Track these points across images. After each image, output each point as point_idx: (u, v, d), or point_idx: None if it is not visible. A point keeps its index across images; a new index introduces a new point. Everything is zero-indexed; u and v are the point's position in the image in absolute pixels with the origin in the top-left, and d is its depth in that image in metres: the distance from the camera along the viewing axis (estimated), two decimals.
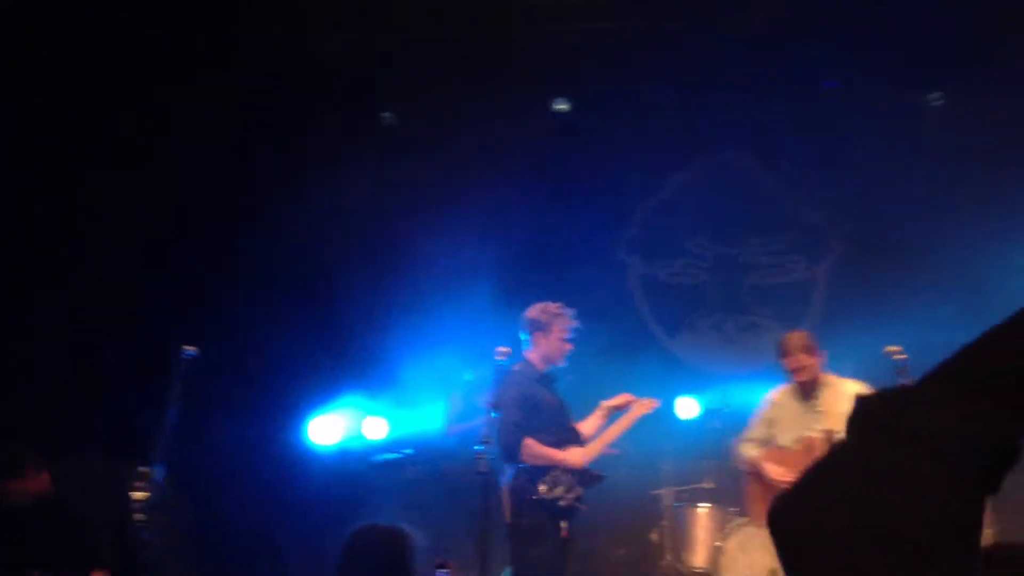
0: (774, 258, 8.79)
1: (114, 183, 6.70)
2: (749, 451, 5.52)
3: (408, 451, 7.68)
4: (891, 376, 5.06)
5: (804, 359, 5.39)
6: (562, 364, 5.54)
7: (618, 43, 7.58)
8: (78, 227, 6.82)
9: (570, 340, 5.49)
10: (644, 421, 6.01)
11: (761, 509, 5.32)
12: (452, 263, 7.86)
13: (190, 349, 4.78)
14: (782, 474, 5.20)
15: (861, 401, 1.10)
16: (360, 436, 7.65)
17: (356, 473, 7.50)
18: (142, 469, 4.38)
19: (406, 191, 8.09)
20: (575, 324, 5.52)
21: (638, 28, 7.49)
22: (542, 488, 5.16)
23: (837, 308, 8.33)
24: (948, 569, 0.95)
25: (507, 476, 5.27)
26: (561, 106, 8.22)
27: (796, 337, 5.50)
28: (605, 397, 6.81)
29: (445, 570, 3.29)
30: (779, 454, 5.30)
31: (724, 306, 8.76)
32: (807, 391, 5.40)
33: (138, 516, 4.23)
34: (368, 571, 3.13)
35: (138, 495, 4.26)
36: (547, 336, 5.44)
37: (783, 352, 5.48)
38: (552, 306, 5.52)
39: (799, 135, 8.24)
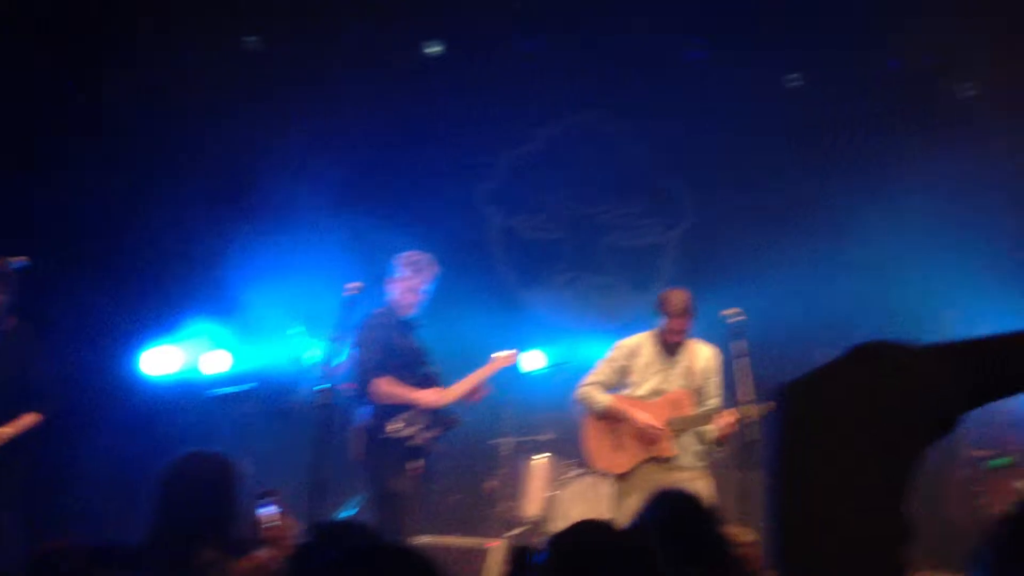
0: (630, 220, 8.98)
1: None
2: (598, 395, 5.41)
3: (250, 385, 7.50)
4: (728, 336, 5.29)
5: (687, 323, 5.39)
6: (412, 313, 5.54)
7: None
8: None
9: (426, 293, 5.50)
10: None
11: (602, 453, 5.40)
12: (308, 197, 7.67)
13: (18, 260, 4.49)
14: (647, 426, 5.22)
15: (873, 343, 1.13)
16: (199, 368, 7.40)
17: (192, 406, 7.26)
18: None
19: (264, 118, 7.81)
20: (435, 277, 5.54)
21: None
22: (391, 427, 5.18)
23: (686, 272, 8.61)
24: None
25: (361, 415, 5.25)
26: (433, 48, 8.10)
27: (685, 298, 5.41)
28: (453, 343, 6.85)
29: (271, 498, 3.22)
30: (637, 404, 5.32)
31: (579, 264, 8.91)
32: (670, 348, 5.45)
33: None
34: (188, 498, 3.02)
35: None
36: (405, 284, 5.45)
37: (673, 311, 5.32)
38: (423, 256, 5.52)
39: (662, 103, 8.41)
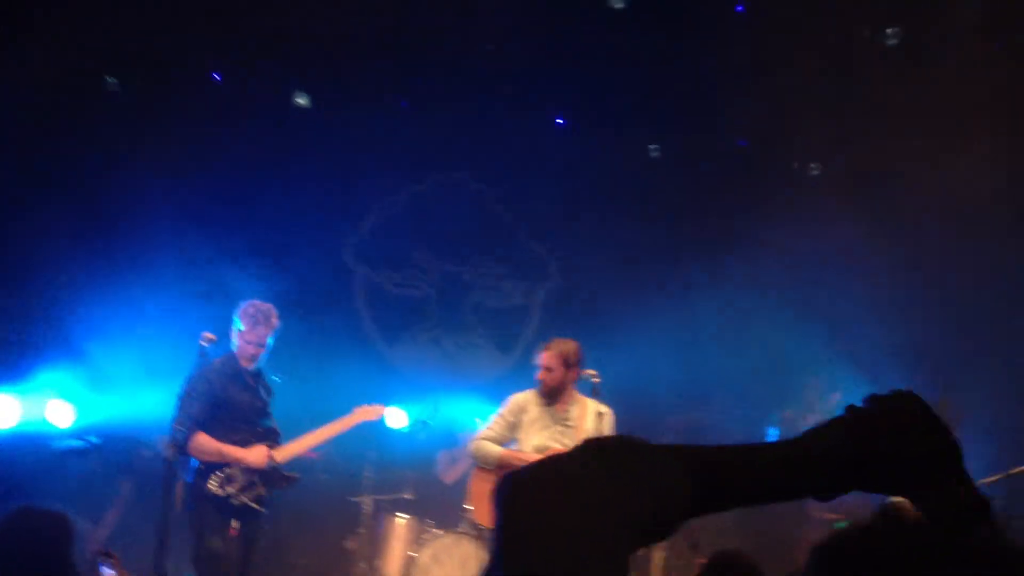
0: (496, 281, 9.10)
1: None
2: (492, 448, 5.39)
3: (94, 439, 7.13)
4: (589, 396, 5.39)
5: (554, 362, 5.37)
6: (254, 365, 5.41)
7: (360, 46, 7.58)
8: None
9: (265, 346, 5.38)
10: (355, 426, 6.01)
11: (489, 506, 5.32)
12: (168, 244, 7.46)
13: None
14: None
15: (619, 437, 1.11)
16: (42, 421, 7.00)
17: (31, 461, 6.84)
18: None
19: (123, 163, 7.58)
20: (274, 330, 5.42)
21: (380, 35, 7.52)
22: (211, 484, 5.02)
23: (549, 334, 8.75)
24: None
25: (187, 469, 5.07)
26: (301, 100, 8.08)
27: (566, 343, 5.50)
28: (315, 398, 6.72)
29: (109, 560, 3.06)
30: (524, 459, 5.29)
31: (445, 322, 8.94)
32: (555, 402, 5.42)
33: None
34: (20, 556, 2.84)
35: None
36: (246, 335, 5.32)
37: (546, 347, 5.45)
38: (264, 306, 5.39)
39: (527, 167, 8.64)
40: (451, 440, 7.71)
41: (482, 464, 5.44)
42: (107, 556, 3.06)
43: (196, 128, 7.77)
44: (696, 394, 8.25)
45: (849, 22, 7.32)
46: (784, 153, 8.68)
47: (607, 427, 5.41)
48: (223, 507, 5.03)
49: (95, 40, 7.04)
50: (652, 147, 8.72)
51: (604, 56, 7.77)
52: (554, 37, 7.65)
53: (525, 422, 5.44)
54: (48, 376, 6.98)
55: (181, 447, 4.96)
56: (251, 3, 7.12)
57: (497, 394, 8.32)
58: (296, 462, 5.55)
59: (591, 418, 5.39)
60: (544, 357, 5.42)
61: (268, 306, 5.41)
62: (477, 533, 6.79)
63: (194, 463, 5.06)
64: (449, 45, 7.70)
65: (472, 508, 5.49)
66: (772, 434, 7.76)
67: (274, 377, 5.99)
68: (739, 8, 7.34)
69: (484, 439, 5.46)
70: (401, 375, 8.44)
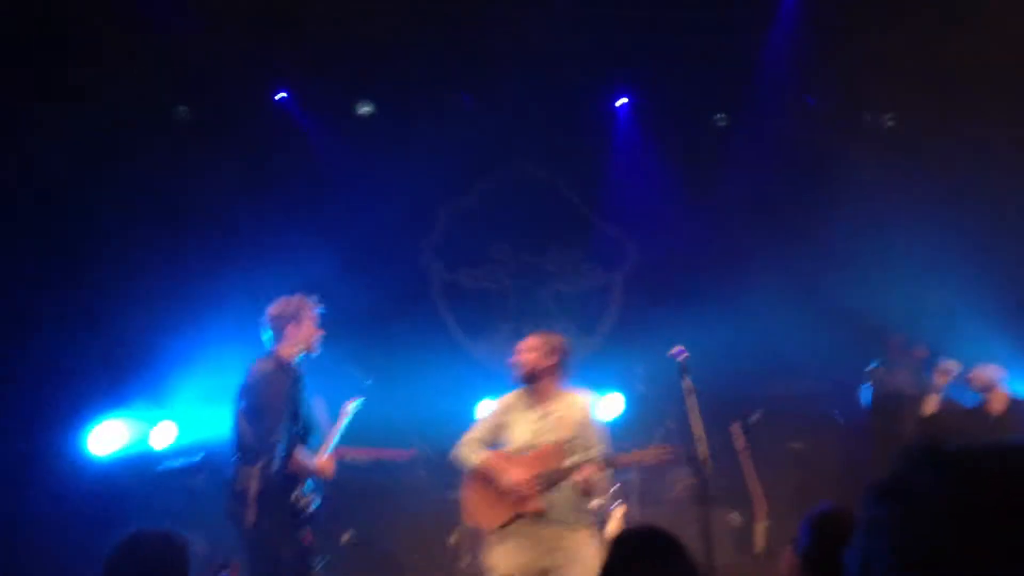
0: (574, 266, 9.09)
1: None
2: (471, 453, 5.17)
3: (196, 458, 7.36)
4: (677, 374, 5.34)
5: (527, 348, 5.17)
6: (317, 352, 5.36)
7: (419, 49, 7.63)
8: None
9: (320, 325, 5.35)
10: (446, 423, 6.05)
11: (477, 509, 5.15)
12: (253, 261, 7.65)
13: None
14: (516, 484, 4.94)
15: None
16: (146, 443, 7.26)
17: (141, 483, 7.11)
18: None
19: (202, 183, 7.80)
20: (321, 308, 5.39)
21: (437, 35, 7.56)
22: (292, 496, 5.00)
23: (634, 313, 8.74)
24: None
25: (254, 479, 4.90)
26: (365, 109, 8.18)
27: (548, 334, 5.27)
28: (405, 399, 6.82)
29: (227, 571, 3.16)
30: (511, 460, 5.07)
31: (525, 312, 8.97)
32: (540, 399, 5.18)
33: None
34: None
35: None
36: (299, 325, 5.25)
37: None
38: (294, 297, 5.35)
39: (593, 148, 8.60)
40: None
41: (461, 468, 5.31)
42: (225, 567, 3.15)
43: (265, 147, 7.96)
44: (789, 364, 8.13)
45: None
46: (855, 107, 8.48)
47: (590, 415, 5.19)
48: (299, 518, 5.04)
49: (166, 70, 7.25)
50: (718, 116, 8.59)
51: (662, 29, 7.67)
52: (612, 14, 7.59)
53: (511, 422, 5.22)
54: (150, 399, 7.24)
55: (282, 461, 4.95)
56: (308, 19, 7.22)
57: (582, 380, 8.36)
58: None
59: (577, 411, 5.17)
60: (526, 341, 5.29)
61: (299, 295, 5.35)
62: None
63: (268, 474, 4.94)
64: (506, 34, 7.69)
65: (465, 511, 5.37)
66: (865, 392, 7.59)
67: (367, 381, 6.09)
68: None
69: (465, 443, 5.30)
70: (486, 369, 8.49)
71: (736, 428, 7.11)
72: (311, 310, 5.27)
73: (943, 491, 1.10)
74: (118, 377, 7.15)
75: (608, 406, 8.14)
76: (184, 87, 7.76)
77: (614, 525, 6.44)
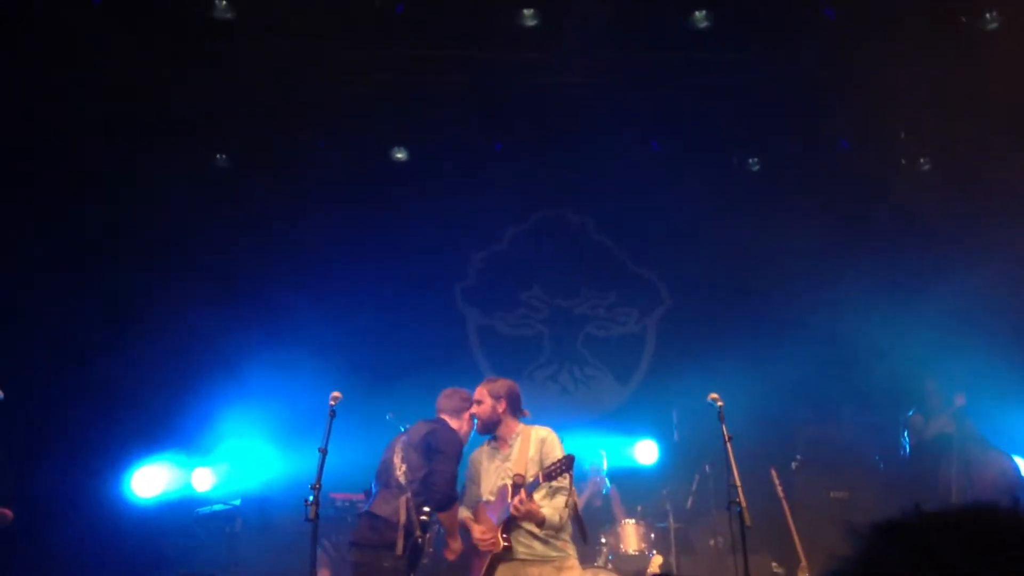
0: (607, 311, 9.10)
1: None
2: (461, 513, 5.41)
3: (236, 501, 7.42)
4: (713, 420, 5.32)
5: (483, 394, 5.31)
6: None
7: (449, 98, 7.74)
8: None
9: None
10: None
11: (469, 566, 5.28)
12: (286, 309, 7.75)
13: None
14: (482, 532, 5.13)
15: None
16: (187, 487, 7.33)
17: (181, 526, 7.17)
18: None
19: (234, 237, 7.95)
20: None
21: (465, 84, 7.67)
22: (420, 538, 5.15)
23: (668, 359, 8.71)
24: None
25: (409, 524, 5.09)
26: (399, 155, 8.29)
27: (498, 379, 5.41)
28: None
29: None
30: (481, 510, 5.28)
31: (560, 357, 8.98)
32: (500, 443, 5.34)
33: None
34: None
35: None
36: (468, 417, 5.50)
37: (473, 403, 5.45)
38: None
39: (626, 193, 8.64)
40: (580, 474, 7.70)
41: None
42: None
43: (298, 196, 8.09)
44: (825, 407, 8.06)
45: (944, 10, 7.12)
46: (889, 151, 8.47)
47: (549, 449, 5.23)
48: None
49: (212, 121, 7.42)
50: (751, 160, 8.62)
51: (693, 75, 7.74)
52: (640, 62, 7.67)
53: (481, 472, 5.39)
54: (191, 445, 7.32)
55: (447, 506, 5.15)
56: (342, 72, 7.37)
57: (617, 426, 8.33)
58: None
59: (533, 446, 5.26)
60: (476, 392, 5.42)
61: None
62: (613, 566, 6.77)
63: (430, 527, 5.15)
64: (536, 83, 7.80)
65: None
66: (905, 438, 7.51)
67: (387, 415, 6.26)
68: (829, 11, 7.20)
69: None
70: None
71: (775, 474, 7.03)
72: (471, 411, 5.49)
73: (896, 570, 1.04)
74: (161, 422, 7.24)
75: (643, 452, 8.11)
76: (225, 136, 7.92)
77: (651, 573, 6.38)
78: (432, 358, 8.23)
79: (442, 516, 5.28)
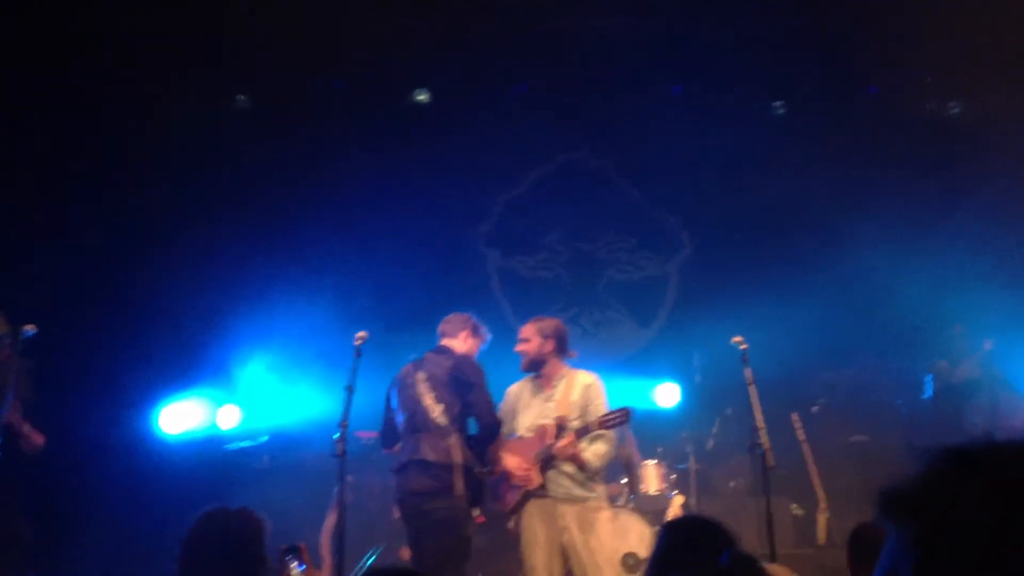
0: (629, 255, 9.08)
1: None
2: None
3: (263, 439, 7.55)
4: (735, 363, 5.34)
5: (529, 332, 5.40)
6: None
7: (475, 39, 7.66)
8: None
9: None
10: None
11: (500, 495, 5.42)
12: (308, 250, 7.79)
13: (29, 328, 4.55)
14: (518, 466, 5.24)
15: None
16: (213, 425, 7.46)
17: (209, 462, 7.31)
18: None
19: (258, 177, 7.95)
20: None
21: (493, 24, 7.57)
22: (481, 472, 5.24)
23: (690, 302, 8.71)
24: None
25: (455, 462, 5.08)
26: (421, 96, 8.23)
27: (546, 318, 5.53)
28: None
29: (295, 553, 3.24)
30: (516, 444, 5.36)
31: (581, 300, 8.99)
32: (544, 382, 5.43)
33: None
34: (216, 554, 3.04)
35: None
36: (476, 344, 5.51)
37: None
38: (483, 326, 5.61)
39: (649, 137, 8.55)
40: None
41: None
42: (295, 550, 3.24)
43: (322, 136, 8.06)
44: (847, 351, 8.05)
45: None
46: (917, 96, 8.34)
47: (594, 395, 5.36)
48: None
49: (227, 60, 7.38)
50: (776, 104, 8.50)
51: (717, 16, 7.61)
52: (664, 2, 7.55)
53: (519, 408, 5.47)
54: (216, 383, 7.42)
55: (495, 435, 5.20)
56: (366, 10, 7.30)
57: (638, 369, 8.35)
58: None
59: (577, 390, 5.36)
60: (521, 330, 5.45)
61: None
62: (634, 507, 6.86)
63: (480, 463, 5.21)
64: (559, 24, 7.69)
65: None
66: (928, 384, 7.51)
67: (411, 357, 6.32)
68: None
69: None
70: None
71: (796, 418, 7.06)
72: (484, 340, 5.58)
73: (976, 501, 0.98)
74: (188, 359, 7.32)
75: (664, 396, 8.15)
76: (245, 77, 7.88)
77: (673, 514, 6.46)
78: (453, 300, 8.19)
79: (491, 446, 5.32)
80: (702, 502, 7.40)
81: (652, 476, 7.31)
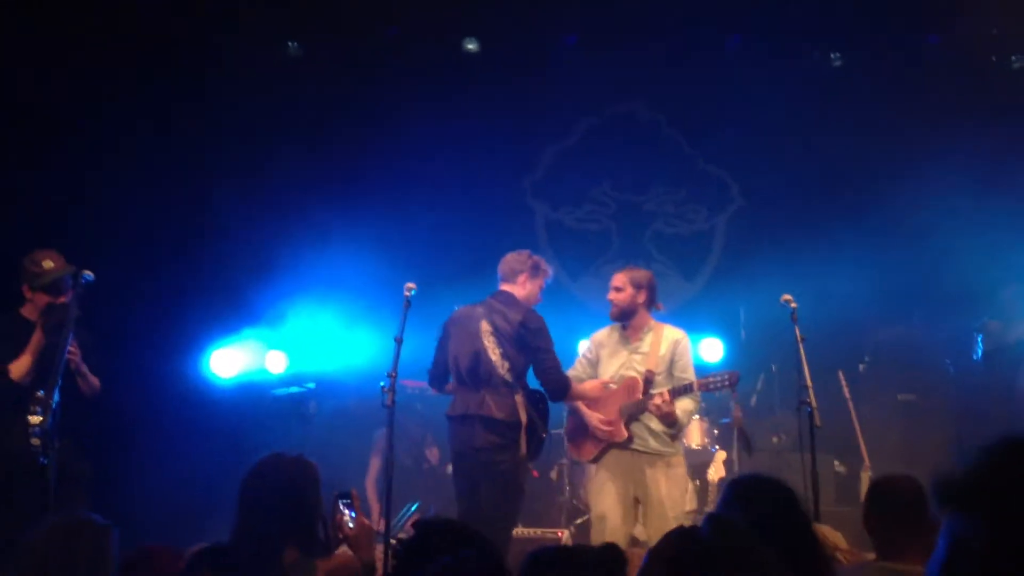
0: (676, 208, 9.00)
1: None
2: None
3: (310, 385, 7.67)
4: (784, 321, 5.30)
5: (622, 281, 5.36)
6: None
7: None
8: None
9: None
10: None
11: (575, 442, 5.52)
12: (357, 200, 7.81)
13: (87, 273, 4.63)
14: (601, 419, 5.27)
15: None
16: (262, 369, 7.59)
17: (258, 406, 7.45)
18: (38, 394, 4.25)
19: (307, 125, 7.97)
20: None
21: None
22: (542, 433, 5.29)
23: (737, 258, 8.63)
24: None
25: (514, 413, 5.10)
26: (470, 46, 8.16)
27: (636, 268, 5.49)
28: None
29: (348, 500, 3.30)
30: (600, 394, 5.36)
31: (627, 252, 8.95)
32: (631, 333, 5.41)
33: (34, 441, 4.12)
34: (273, 501, 3.10)
35: (34, 419, 4.15)
36: (539, 284, 5.44)
37: (618, 271, 5.50)
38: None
39: (702, 89, 8.42)
40: None
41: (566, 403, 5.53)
42: (347, 496, 3.29)
43: (373, 84, 8.04)
44: (897, 309, 7.95)
45: None
46: (980, 48, 8.08)
47: (682, 352, 5.36)
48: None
49: (281, 7, 7.36)
50: (833, 55, 8.30)
51: None
52: None
53: (603, 356, 5.48)
54: (265, 329, 7.54)
55: (561, 396, 5.22)
56: None
57: (682, 323, 8.32)
58: None
59: (665, 344, 5.36)
60: (615, 278, 5.39)
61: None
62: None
63: (542, 408, 5.23)
64: None
65: (569, 446, 5.62)
66: (978, 343, 7.39)
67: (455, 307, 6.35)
68: None
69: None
70: (587, 308, 8.52)
71: (842, 376, 7.01)
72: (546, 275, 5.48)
73: None
74: (238, 304, 7.43)
75: (709, 350, 8.12)
76: (298, 23, 7.86)
77: (715, 470, 6.48)
78: (501, 251, 8.24)
79: (566, 402, 5.35)
80: (743, 457, 7.40)
81: (695, 431, 7.32)
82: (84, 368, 4.92)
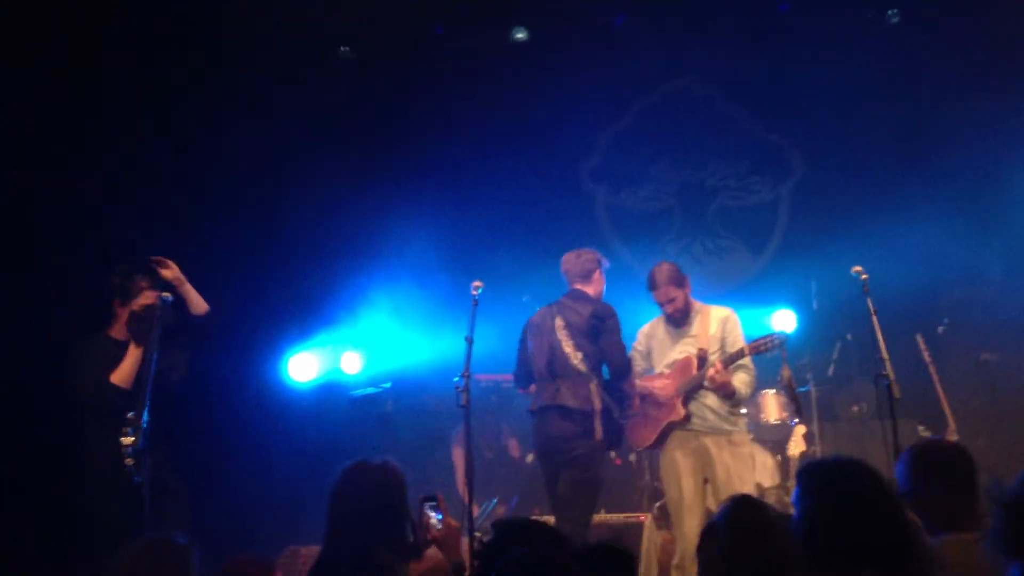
0: (738, 180, 8.90)
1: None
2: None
3: (386, 385, 7.79)
4: (857, 288, 5.21)
5: (672, 291, 5.42)
6: None
7: None
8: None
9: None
10: None
11: (637, 431, 5.56)
12: (419, 196, 7.89)
13: (167, 295, 4.79)
14: (664, 387, 5.37)
15: None
16: (338, 371, 7.74)
17: (336, 408, 7.60)
18: (129, 415, 4.41)
19: (365, 129, 8.07)
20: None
21: None
22: (620, 418, 5.37)
23: (804, 226, 8.51)
24: None
25: (592, 401, 5.20)
26: (519, 35, 8.17)
27: (664, 270, 5.48)
28: None
29: (433, 502, 3.37)
30: (656, 377, 5.50)
31: (691, 230, 8.90)
32: (678, 320, 5.49)
33: (128, 461, 4.29)
34: (362, 507, 3.19)
35: (126, 440, 4.32)
36: (603, 281, 5.59)
37: (652, 285, 5.48)
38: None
39: (755, 58, 8.29)
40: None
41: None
42: (433, 499, 3.37)
43: (425, 84, 8.09)
44: (974, 269, 7.76)
45: None
46: None
47: (732, 328, 5.42)
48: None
49: (331, 11, 7.43)
50: (890, 12, 8.08)
51: None
52: None
53: (654, 346, 5.58)
54: (339, 331, 7.68)
55: (625, 373, 5.33)
56: None
57: (752, 297, 8.24)
58: None
59: (715, 324, 5.43)
60: (663, 293, 5.44)
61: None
62: (755, 437, 6.84)
63: (618, 401, 5.33)
64: None
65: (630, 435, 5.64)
66: None
67: (523, 297, 6.47)
68: None
69: None
70: None
71: (921, 340, 6.87)
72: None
73: None
74: (312, 308, 7.57)
75: (781, 322, 8.03)
76: (348, 27, 7.94)
77: (795, 444, 6.43)
78: (562, 239, 8.25)
79: (625, 385, 5.43)
80: (824, 428, 7.33)
81: (771, 405, 7.26)
82: (187, 288, 5.04)
